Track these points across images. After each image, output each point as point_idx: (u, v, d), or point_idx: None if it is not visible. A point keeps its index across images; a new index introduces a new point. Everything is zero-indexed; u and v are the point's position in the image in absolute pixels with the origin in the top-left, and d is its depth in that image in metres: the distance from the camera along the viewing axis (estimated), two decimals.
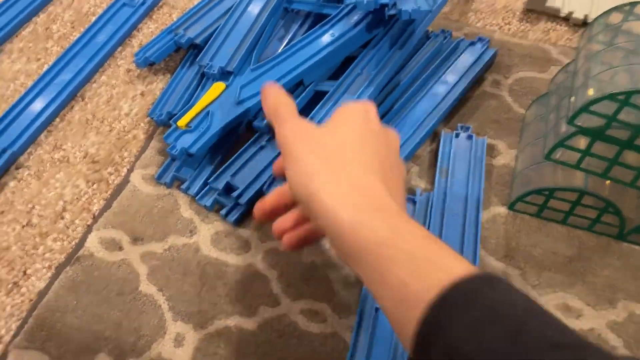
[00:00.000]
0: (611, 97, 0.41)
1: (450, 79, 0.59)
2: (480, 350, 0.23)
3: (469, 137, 0.55)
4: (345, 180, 0.31)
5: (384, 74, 0.55)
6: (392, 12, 0.54)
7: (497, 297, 0.25)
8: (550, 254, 0.49)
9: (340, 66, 0.59)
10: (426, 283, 0.26)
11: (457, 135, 0.55)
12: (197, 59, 0.60)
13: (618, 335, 0.45)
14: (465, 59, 0.60)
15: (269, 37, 0.61)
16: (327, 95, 0.54)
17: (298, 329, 0.45)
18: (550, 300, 0.46)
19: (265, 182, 0.51)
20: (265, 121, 0.54)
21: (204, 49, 0.60)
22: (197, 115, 0.54)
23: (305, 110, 0.55)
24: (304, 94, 0.56)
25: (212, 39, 0.60)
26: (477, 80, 0.60)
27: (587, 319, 0.45)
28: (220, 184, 0.52)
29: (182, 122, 0.54)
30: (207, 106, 0.55)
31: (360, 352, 0.43)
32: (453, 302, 0.25)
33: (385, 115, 0.56)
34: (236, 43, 0.59)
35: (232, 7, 0.64)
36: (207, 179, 0.53)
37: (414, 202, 0.51)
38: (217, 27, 0.62)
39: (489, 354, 0.23)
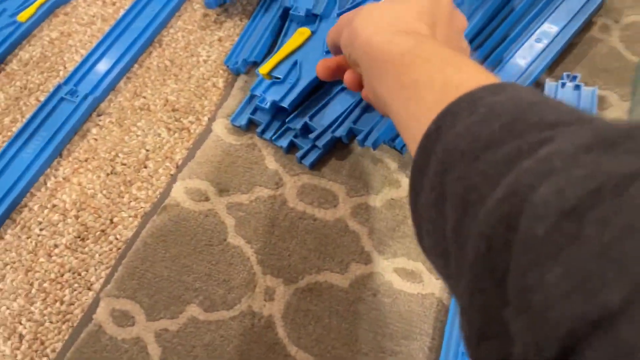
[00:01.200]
0: None
1: (555, 24, 0.53)
2: (475, 144, 0.21)
3: (577, 88, 0.50)
4: (387, 17, 0.32)
5: (486, 8, 0.50)
6: None
7: (501, 98, 0.22)
8: None
9: None
10: (437, 95, 0.25)
11: (562, 85, 0.51)
12: (280, 0, 0.57)
13: None
14: (572, 2, 0.54)
15: None
16: None
17: (392, 289, 0.43)
18: None
19: (342, 123, 0.49)
20: None
21: None
22: (280, 63, 0.51)
23: None
24: None
25: None
26: (585, 25, 0.55)
27: None
28: (298, 124, 0.49)
29: (264, 69, 0.51)
30: (291, 53, 0.52)
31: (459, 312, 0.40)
32: (455, 110, 0.23)
33: (483, 63, 0.52)
34: None
35: None
36: (285, 119, 0.51)
37: None
38: None
39: (484, 145, 0.21)
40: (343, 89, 0.51)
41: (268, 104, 0.50)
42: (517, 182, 0.18)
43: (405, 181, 0.48)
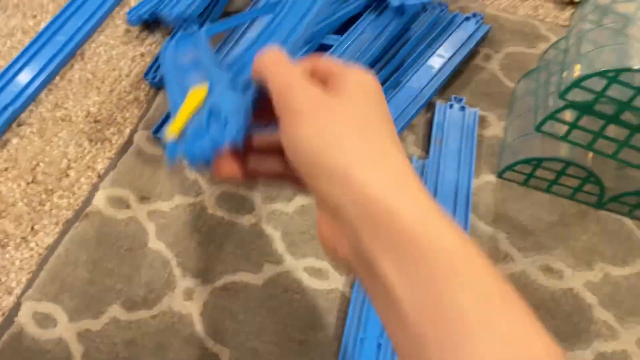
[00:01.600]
0: (601, 74, 0.44)
1: (446, 53, 0.61)
2: None
3: (462, 109, 0.58)
4: (378, 154, 0.26)
5: (384, 37, 0.57)
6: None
7: None
8: (535, 220, 0.53)
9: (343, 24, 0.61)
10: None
11: (450, 107, 0.58)
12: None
13: (593, 293, 0.49)
14: (461, 34, 0.62)
15: None
16: (331, 49, 0.58)
17: (302, 286, 0.48)
18: (534, 262, 0.50)
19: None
20: None
21: None
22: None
23: None
24: (308, 45, 0.58)
25: None
26: (470, 54, 0.63)
27: (567, 279, 0.50)
28: None
29: (172, 131, 0.37)
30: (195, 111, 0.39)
31: (358, 304, 0.46)
32: None
33: (382, 86, 0.58)
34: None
35: None
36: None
37: None
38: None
39: None
40: None
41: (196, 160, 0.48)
42: None
43: None
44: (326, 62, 0.31)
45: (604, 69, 0.44)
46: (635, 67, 0.43)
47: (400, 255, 0.23)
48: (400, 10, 0.58)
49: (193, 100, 0.39)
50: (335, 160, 0.25)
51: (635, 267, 0.51)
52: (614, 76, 0.43)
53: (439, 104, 0.58)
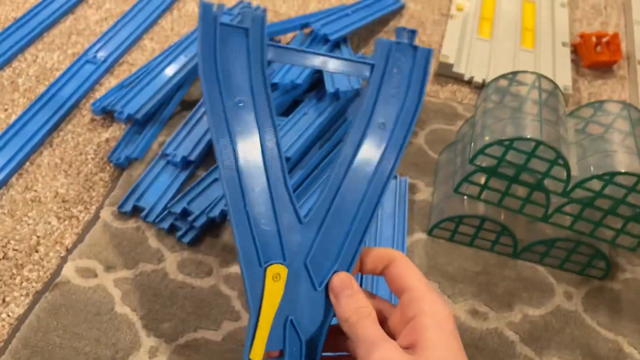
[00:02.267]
0: (499, 142, 0.53)
1: None
2: None
3: (394, 177, 0.67)
4: None
5: (324, 117, 0.67)
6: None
7: None
8: (462, 270, 0.60)
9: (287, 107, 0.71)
10: None
11: None
12: (162, 149, 0.66)
13: (516, 332, 0.56)
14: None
15: None
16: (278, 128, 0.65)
17: None
18: (462, 307, 0.57)
19: (216, 206, 0.60)
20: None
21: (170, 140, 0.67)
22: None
23: None
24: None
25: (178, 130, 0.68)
26: None
27: (491, 321, 0.56)
28: (179, 209, 0.59)
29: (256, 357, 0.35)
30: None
31: None
32: None
33: (324, 159, 0.67)
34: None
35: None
36: (166, 205, 0.60)
37: None
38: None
39: None
40: (216, 179, 0.62)
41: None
42: None
43: None
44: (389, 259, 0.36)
45: (502, 138, 0.53)
46: (527, 136, 0.53)
47: None
48: (335, 95, 0.68)
49: (269, 311, 0.35)
50: None
51: (549, 307, 0.58)
52: (509, 144, 0.53)
53: None
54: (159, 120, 0.70)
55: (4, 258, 0.57)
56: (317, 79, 0.72)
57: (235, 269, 0.58)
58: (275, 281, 0.35)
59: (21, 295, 0.54)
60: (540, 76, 0.61)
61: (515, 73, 0.63)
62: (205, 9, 0.42)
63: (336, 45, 0.79)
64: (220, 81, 0.40)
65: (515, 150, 0.53)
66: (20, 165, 0.65)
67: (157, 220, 0.60)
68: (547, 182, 0.55)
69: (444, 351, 0.30)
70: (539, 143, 0.52)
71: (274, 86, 0.70)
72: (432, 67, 0.85)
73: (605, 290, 0.60)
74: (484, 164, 0.56)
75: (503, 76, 0.63)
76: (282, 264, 0.36)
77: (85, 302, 0.53)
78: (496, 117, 0.59)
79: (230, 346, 0.52)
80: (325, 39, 0.78)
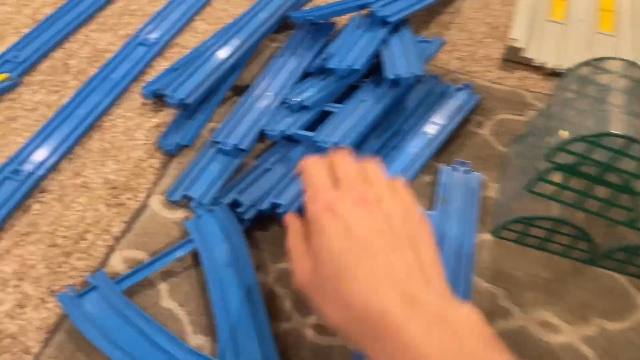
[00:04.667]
0: (583, 138, 0.47)
1: (440, 120, 0.65)
2: None
3: (467, 172, 0.62)
4: (421, 306, 0.32)
5: (382, 105, 0.62)
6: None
7: None
8: (531, 277, 0.55)
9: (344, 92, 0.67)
10: None
11: (454, 169, 0.62)
12: (213, 136, 0.64)
13: (591, 348, 0.50)
14: (454, 103, 0.67)
15: None
16: (332, 115, 0.62)
17: (306, 341, 0.49)
18: (532, 318, 0.52)
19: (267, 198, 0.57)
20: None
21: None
22: None
23: (311, 128, 0.62)
24: (310, 114, 0.63)
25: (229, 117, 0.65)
26: (463, 121, 0.67)
27: (565, 334, 0.51)
28: (228, 200, 0.57)
29: None
30: None
31: None
32: None
33: (382, 149, 0.62)
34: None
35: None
36: (215, 196, 0.58)
37: None
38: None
39: None
40: (267, 170, 0.59)
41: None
42: None
43: None
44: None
45: (586, 134, 0.48)
46: (614, 132, 0.47)
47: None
48: (396, 82, 0.63)
49: None
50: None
51: (629, 322, 0.52)
52: (594, 140, 0.47)
53: (445, 167, 0.62)
54: (210, 106, 0.67)
55: (52, 245, 0.56)
56: (374, 64, 0.68)
57: (285, 265, 0.55)
58: None
59: (68, 284, 0.53)
60: (631, 63, 0.54)
61: (599, 59, 0.56)
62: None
63: (395, 27, 0.74)
64: None
65: (601, 147, 0.48)
66: (70, 149, 0.64)
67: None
68: (636, 184, 0.49)
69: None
70: (631, 140, 0.46)
71: (330, 71, 0.66)
72: (499, 52, 0.79)
73: None
74: (562, 162, 0.50)
75: (585, 63, 0.57)
76: None
77: (131, 295, 0.51)
78: (577, 109, 0.53)
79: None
80: (384, 21, 0.73)
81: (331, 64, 0.65)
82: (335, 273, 0.34)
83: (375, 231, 0.35)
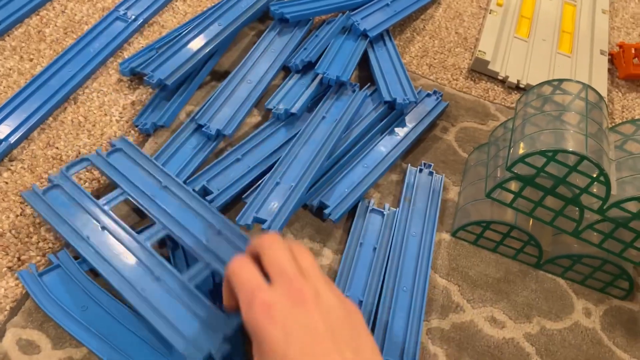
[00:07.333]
0: (542, 153, 0.52)
1: (410, 123, 0.69)
2: None
3: (430, 173, 0.65)
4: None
5: (349, 118, 0.65)
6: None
7: None
8: (483, 275, 0.59)
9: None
10: None
11: (420, 171, 0.65)
12: (195, 117, 0.64)
13: (532, 344, 0.55)
14: (423, 108, 0.71)
15: None
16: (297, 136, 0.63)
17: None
18: (481, 313, 0.56)
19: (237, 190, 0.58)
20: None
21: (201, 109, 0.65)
22: None
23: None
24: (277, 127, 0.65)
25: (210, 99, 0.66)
26: (430, 125, 0.71)
27: (509, 330, 0.56)
28: (197, 186, 0.58)
29: None
30: None
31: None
32: None
33: (353, 149, 0.65)
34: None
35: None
36: (185, 181, 0.59)
37: (383, 215, 0.60)
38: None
39: None
40: (237, 160, 0.61)
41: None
42: None
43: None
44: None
45: (544, 149, 0.52)
46: (569, 149, 0.51)
47: None
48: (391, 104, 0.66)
49: None
50: None
51: (567, 322, 0.58)
52: (551, 155, 0.52)
53: (411, 167, 0.65)
54: (189, 89, 0.68)
55: (21, 214, 0.56)
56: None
57: None
58: None
59: (37, 255, 0.53)
60: (587, 86, 0.59)
61: (560, 80, 0.61)
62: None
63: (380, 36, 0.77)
64: None
65: (556, 162, 0.52)
66: (42, 120, 0.63)
67: None
68: (584, 198, 0.54)
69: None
70: (582, 158, 0.50)
71: (310, 71, 0.68)
72: (467, 62, 0.83)
73: (623, 311, 0.60)
74: (520, 172, 0.54)
75: (547, 82, 0.61)
76: None
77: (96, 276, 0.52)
78: (537, 125, 0.57)
79: None
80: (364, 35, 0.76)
81: (321, 72, 0.68)
82: None
83: (315, 334, 0.35)
